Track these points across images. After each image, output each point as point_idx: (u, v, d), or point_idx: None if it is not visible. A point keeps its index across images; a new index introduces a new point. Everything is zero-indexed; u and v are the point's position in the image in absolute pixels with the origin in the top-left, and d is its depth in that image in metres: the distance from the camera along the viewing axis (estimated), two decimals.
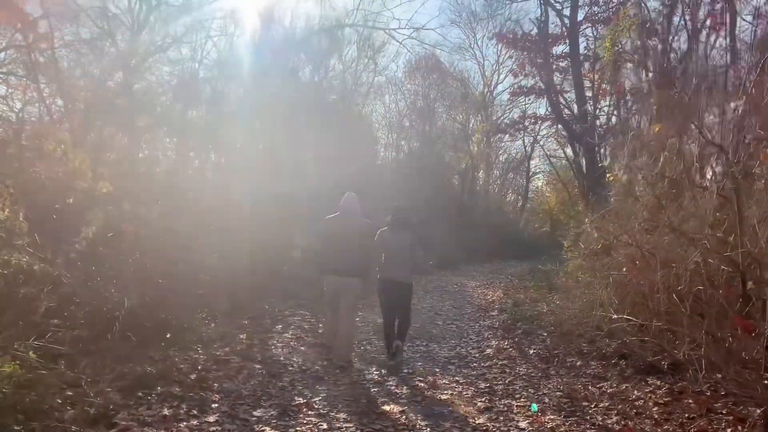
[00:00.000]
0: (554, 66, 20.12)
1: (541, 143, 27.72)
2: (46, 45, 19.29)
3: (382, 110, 29.66)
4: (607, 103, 20.97)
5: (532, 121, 21.40)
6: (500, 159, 33.99)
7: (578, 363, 6.15)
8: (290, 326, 8.05)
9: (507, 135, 29.78)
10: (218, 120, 21.06)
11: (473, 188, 28.35)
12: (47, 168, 6.44)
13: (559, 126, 22.64)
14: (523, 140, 31.22)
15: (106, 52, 21.68)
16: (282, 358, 6.34)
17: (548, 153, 27.90)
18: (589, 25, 20.02)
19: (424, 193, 24.05)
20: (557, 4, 19.44)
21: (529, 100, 25.67)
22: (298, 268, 11.36)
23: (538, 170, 34.89)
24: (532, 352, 6.72)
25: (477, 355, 6.85)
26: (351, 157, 19.75)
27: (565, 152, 25.38)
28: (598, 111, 20.52)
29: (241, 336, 7.18)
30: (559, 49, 20.26)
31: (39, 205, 6.34)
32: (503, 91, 30.64)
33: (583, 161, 22.35)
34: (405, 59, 35.58)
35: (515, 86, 22.14)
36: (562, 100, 22.63)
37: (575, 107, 20.25)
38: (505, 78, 30.00)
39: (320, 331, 7.38)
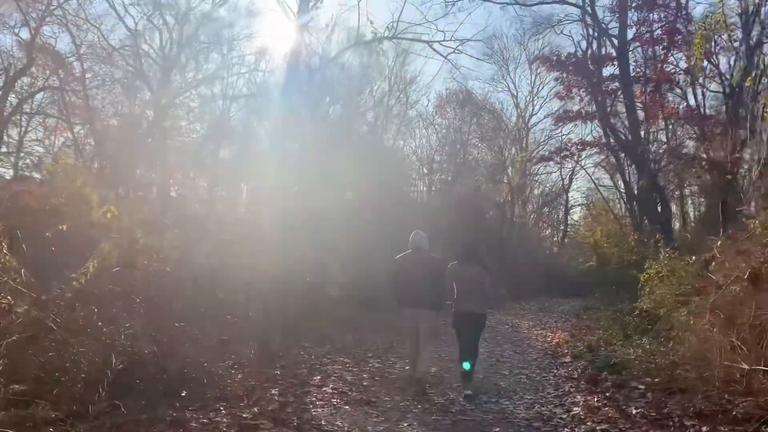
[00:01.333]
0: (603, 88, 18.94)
1: (590, 171, 26.28)
2: (79, 86, 18.98)
3: (413, 144, 28.97)
4: (661, 126, 19.68)
5: (579, 147, 20.10)
6: (535, 192, 32.75)
7: (704, 429, 4.75)
8: (330, 377, 6.79)
9: (548, 164, 28.60)
10: (249, 155, 20.38)
11: (513, 221, 26.92)
12: (33, 188, 5.46)
13: (608, 152, 21.30)
14: (561, 172, 30.12)
15: (137, 91, 21.38)
16: (323, 422, 5.07)
17: (596, 182, 26.35)
18: (638, 45, 18.86)
19: (461, 227, 22.85)
20: (602, 25, 18.43)
21: (574, 126, 24.54)
22: (335, 307, 10.17)
23: (576, 203, 33.54)
24: (635, 411, 5.32)
25: (564, 416, 5.48)
26: (385, 191, 18.78)
27: (614, 181, 23.94)
28: (650, 136, 19.21)
29: (273, 391, 5.96)
30: (607, 71, 19.12)
31: (32, 234, 5.30)
32: (538, 122, 29.87)
33: (635, 188, 20.88)
34: (436, 93, 35.02)
35: (560, 111, 20.91)
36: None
37: (622, 132, 19.00)
38: (540, 109, 29.24)
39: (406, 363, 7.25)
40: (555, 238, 34.45)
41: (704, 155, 17.70)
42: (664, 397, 5.60)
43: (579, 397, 6.05)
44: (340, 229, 12.78)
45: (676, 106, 19.90)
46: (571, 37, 19.41)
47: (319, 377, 6.75)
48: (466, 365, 6.33)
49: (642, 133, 17.90)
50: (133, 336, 5.33)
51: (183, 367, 5.61)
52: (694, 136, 18.14)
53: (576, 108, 20.04)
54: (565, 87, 18.54)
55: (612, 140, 17.55)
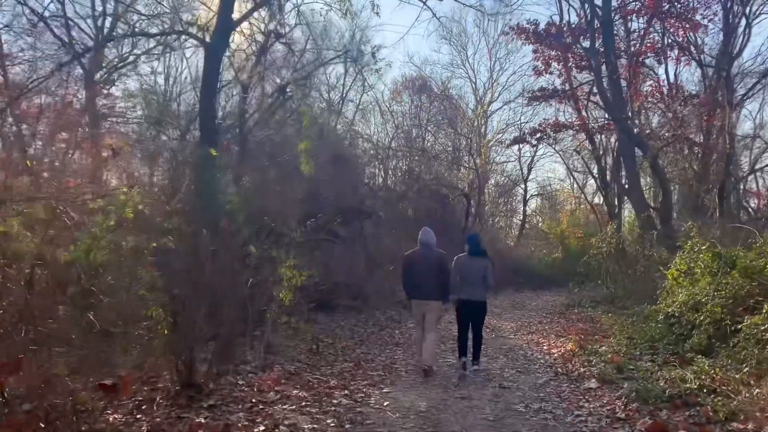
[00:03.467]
0: (581, 63, 17.29)
1: (557, 158, 24.90)
2: None
3: (370, 131, 27.34)
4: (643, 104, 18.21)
5: (554, 128, 18.41)
6: (490, 182, 31.51)
7: None
8: (278, 428, 4.65)
9: (508, 151, 27.38)
10: (194, 140, 17.89)
11: (479, 210, 25.19)
12: None
13: (585, 135, 19.73)
14: (519, 161, 29.06)
15: (68, 68, 18.44)
16: None
17: (570, 168, 24.90)
18: (619, 16, 17.24)
19: (424, 218, 21.07)
20: None
21: (534, 114, 23.12)
22: (288, 314, 8.04)
23: (532, 194, 32.45)
24: None
25: None
26: (341, 178, 16.78)
27: (588, 166, 22.49)
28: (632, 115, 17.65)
29: None
30: (587, 44, 17.44)
31: None
32: (497, 110, 28.88)
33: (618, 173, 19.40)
34: (392, 80, 33.55)
35: (533, 91, 19.18)
36: (583, 104, 19.84)
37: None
38: (499, 96, 28.25)
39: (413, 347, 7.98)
40: (510, 230, 33.35)
41: (691, 137, 16.30)
42: None
43: None
44: (291, 221, 10.65)
45: (656, 85, 18.48)
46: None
47: (262, 428, 4.61)
48: (464, 365, 7.06)
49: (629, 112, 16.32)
50: None
51: None
52: (679, 117, 16.66)
53: (552, 86, 18.36)
54: (544, 60, 16.76)
55: (604, 118, 15.86)
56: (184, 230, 5.40)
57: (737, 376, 5.04)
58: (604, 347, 7.94)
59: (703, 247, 7.68)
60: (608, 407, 5.31)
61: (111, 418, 4.75)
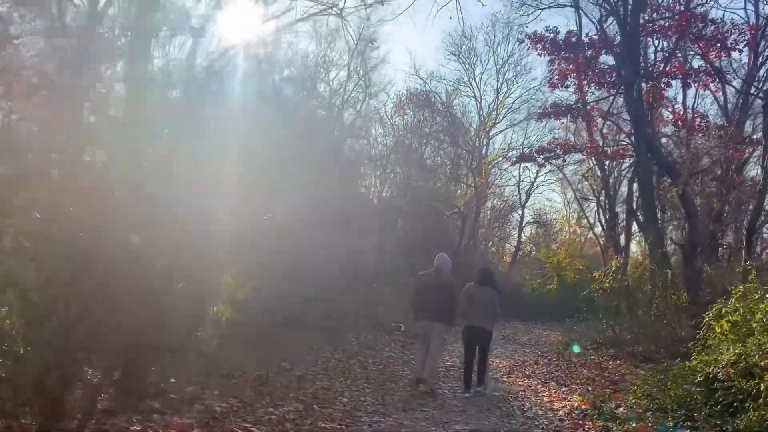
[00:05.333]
0: (600, 80, 15.85)
1: (577, 181, 23.54)
2: None
3: (369, 140, 25.91)
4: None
5: (563, 149, 16.89)
6: (487, 205, 30.16)
7: None
8: None
9: (510, 171, 26.08)
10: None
11: (474, 232, 23.64)
12: None
13: (595, 159, 18.25)
14: (518, 185, 27.81)
15: (62, 48, 16.89)
16: None
17: (577, 193, 23.44)
18: (645, 34, 15.83)
19: (416, 234, 19.52)
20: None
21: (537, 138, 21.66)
22: (232, 337, 6.38)
23: (530, 220, 31.05)
24: None
25: None
26: (336, 192, 15.24)
27: (596, 194, 20.98)
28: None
29: None
30: (606, 59, 16.00)
31: None
32: (502, 131, 27.71)
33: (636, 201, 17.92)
34: (396, 93, 32.16)
35: (545, 106, 17.71)
36: (596, 125, 18.42)
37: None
38: (503, 118, 27.03)
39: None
40: (503, 256, 31.94)
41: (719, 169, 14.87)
42: None
43: None
44: (258, 228, 9.04)
45: (676, 113, 17.06)
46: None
47: None
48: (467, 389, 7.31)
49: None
50: None
51: None
52: (704, 150, 15.19)
53: (566, 101, 16.91)
54: (560, 73, 15.29)
55: (619, 141, 14.38)
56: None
57: None
58: (621, 407, 6.33)
59: (766, 295, 6.10)
60: None
61: None
